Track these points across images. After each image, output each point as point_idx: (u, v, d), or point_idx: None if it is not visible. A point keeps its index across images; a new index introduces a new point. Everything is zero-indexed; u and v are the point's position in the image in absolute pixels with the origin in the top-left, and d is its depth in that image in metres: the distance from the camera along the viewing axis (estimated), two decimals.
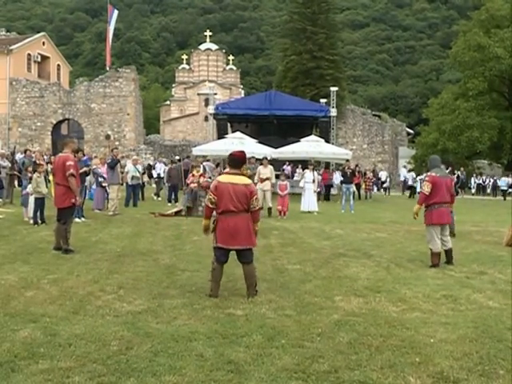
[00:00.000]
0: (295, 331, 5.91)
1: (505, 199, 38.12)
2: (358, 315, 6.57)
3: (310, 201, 21.03)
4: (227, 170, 7.80)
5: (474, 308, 7.08)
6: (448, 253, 10.12)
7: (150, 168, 31.57)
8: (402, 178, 42.93)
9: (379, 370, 4.85)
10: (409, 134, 63.96)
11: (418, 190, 40.36)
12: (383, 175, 44.23)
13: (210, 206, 7.39)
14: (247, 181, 7.45)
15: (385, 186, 41.15)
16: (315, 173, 22.52)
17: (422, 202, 9.97)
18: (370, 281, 8.57)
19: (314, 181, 21.56)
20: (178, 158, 29.32)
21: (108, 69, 49.85)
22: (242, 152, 7.70)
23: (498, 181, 45.20)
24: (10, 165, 20.69)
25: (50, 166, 22.03)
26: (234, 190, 7.21)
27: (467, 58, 47.36)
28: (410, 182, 38.55)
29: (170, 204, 21.90)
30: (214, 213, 7.48)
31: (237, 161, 7.49)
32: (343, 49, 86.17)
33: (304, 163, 32.42)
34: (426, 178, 10.06)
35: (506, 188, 41.51)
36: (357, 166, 34.22)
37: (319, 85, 51.23)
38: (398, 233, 15.16)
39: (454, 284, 8.52)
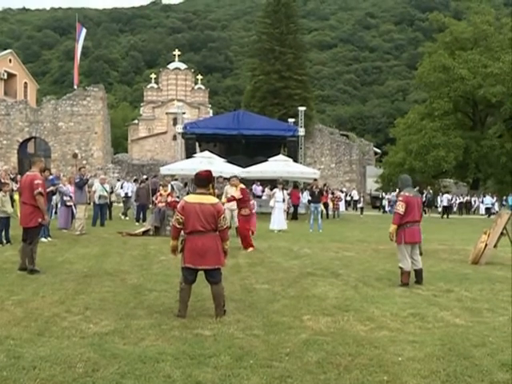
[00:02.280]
0: (263, 351, 5.88)
1: (489, 217, 38.88)
2: (327, 334, 6.57)
3: (279, 219, 21.10)
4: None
5: (441, 326, 7.13)
6: (418, 272, 10.19)
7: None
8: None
9: None
10: (376, 153, 64.76)
11: (387, 208, 41.03)
12: (355, 194, 44.56)
13: (178, 226, 7.39)
14: (214, 200, 7.48)
15: (359, 205, 41.44)
16: (285, 192, 22.62)
17: (398, 222, 10.01)
18: (338, 300, 8.59)
19: (284, 200, 21.67)
20: (145, 177, 29.19)
21: (76, 87, 49.58)
22: (209, 171, 7.70)
23: (463, 197, 45.96)
24: None
25: (15, 185, 21.73)
26: (201, 210, 7.23)
27: (432, 78, 48.32)
28: (444, 203, 39.61)
29: (137, 223, 21.77)
30: (182, 233, 7.46)
31: (203, 180, 7.51)
32: (311, 69, 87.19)
33: (272, 183, 32.51)
34: (400, 198, 10.10)
35: (490, 206, 42.62)
36: (325, 185, 34.42)
37: (287, 104, 51.64)
38: (365, 252, 15.24)
39: (421, 302, 8.58)
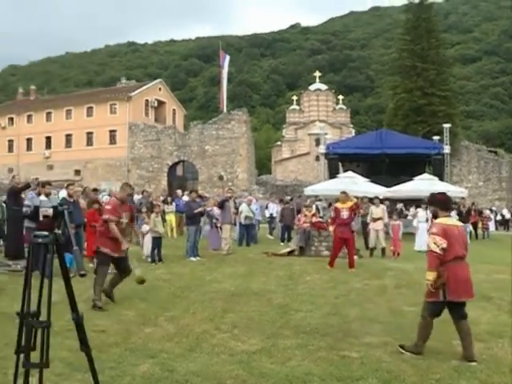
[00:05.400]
0: (412, 376, 5.72)
1: None
2: (480, 361, 6.25)
3: (423, 240, 20.51)
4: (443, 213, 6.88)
5: None
6: None
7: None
8: None
9: None
10: None
11: None
12: (506, 213, 42.40)
13: (441, 254, 6.43)
14: (459, 222, 7.04)
15: None
16: (428, 211, 21.99)
17: None
18: (491, 325, 8.17)
19: (427, 220, 21.05)
20: (289, 197, 29.50)
21: (225, 111, 51.24)
22: (444, 193, 7.31)
23: None
24: None
25: (166, 207, 22.79)
26: (459, 233, 6.66)
27: None
28: None
29: (282, 243, 21.95)
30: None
31: (448, 203, 7.04)
32: (455, 84, 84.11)
33: (417, 202, 31.69)
34: None
35: None
36: (473, 204, 33.05)
37: (431, 122, 50.24)
38: None
39: None
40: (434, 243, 6.42)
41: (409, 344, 6.61)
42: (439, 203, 6.93)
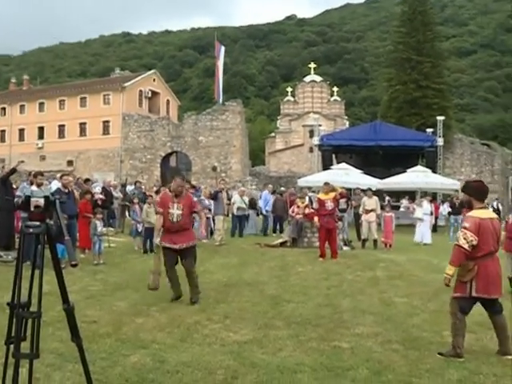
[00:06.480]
0: (402, 366, 5.76)
1: None
2: (469, 352, 6.29)
3: (424, 232, 20.57)
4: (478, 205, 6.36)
5: None
6: None
7: None
8: None
9: None
10: None
11: None
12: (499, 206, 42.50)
13: (469, 250, 6.07)
14: (495, 215, 6.52)
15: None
16: (433, 204, 22.14)
17: None
18: (482, 316, 8.13)
19: (431, 213, 21.16)
20: (282, 189, 29.51)
21: (221, 103, 51.11)
22: (482, 181, 6.87)
23: None
24: (121, 196, 21.56)
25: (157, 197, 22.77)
26: (493, 227, 6.19)
27: None
28: None
29: (274, 235, 21.99)
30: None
31: (485, 192, 6.48)
32: (450, 77, 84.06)
33: (410, 194, 31.76)
34: None
35: None
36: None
37: (425, 114, 50.23)
38: None
39: None
40: (464, 239, 6.05)
41: (446, 349, 6.22)
42: (475, 192, 6.40)
